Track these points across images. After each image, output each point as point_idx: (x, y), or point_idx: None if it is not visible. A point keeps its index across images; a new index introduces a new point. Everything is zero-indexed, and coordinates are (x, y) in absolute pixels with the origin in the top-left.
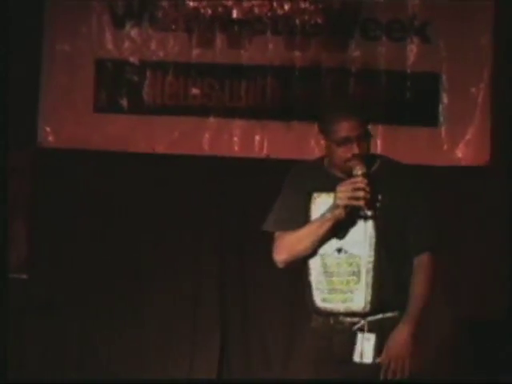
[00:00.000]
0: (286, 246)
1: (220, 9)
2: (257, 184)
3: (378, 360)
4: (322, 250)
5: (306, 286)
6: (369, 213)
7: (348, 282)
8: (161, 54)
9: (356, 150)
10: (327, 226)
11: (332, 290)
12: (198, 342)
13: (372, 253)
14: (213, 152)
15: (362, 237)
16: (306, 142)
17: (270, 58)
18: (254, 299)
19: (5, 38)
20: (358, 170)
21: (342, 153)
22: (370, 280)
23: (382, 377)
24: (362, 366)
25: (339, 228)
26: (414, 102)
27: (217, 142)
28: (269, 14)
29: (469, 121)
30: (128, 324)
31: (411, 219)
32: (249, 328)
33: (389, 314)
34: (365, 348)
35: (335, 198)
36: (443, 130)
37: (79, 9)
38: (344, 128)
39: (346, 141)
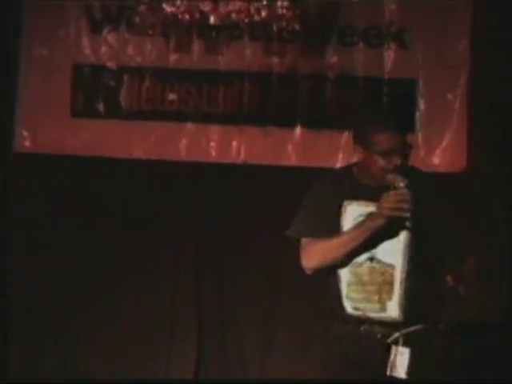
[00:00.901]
0: (318, 253)
1: (197, 14)
2: (234, 189)
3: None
4: None
5: (335, 294)
6: (408, 224)
7: (381, 292)
8: (138, 59)
9: (398, 162)
10: (367, 235)
11: (364, 299)
12: (175, 342)
13: (405, 262)
14: (190, 157)
15: (394, 246)
16: (283, 148)
17: (248, 64)
18: (231, 300)
19: None
20: (400, 182)
21: (385, 164)
22: (403, 290)
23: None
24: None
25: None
26: (391, 108)
27: (194, 147)
28: (246, 20)
29: (445, 127)
30: (106, 324)
31: (448, 230)
32: (226, 329)
33: (422, 327)
34: (398, 362)
35: (379, 207)
36: (420, 135)
37: (56, 13)
38: (388, 139)
39: (388, 152)
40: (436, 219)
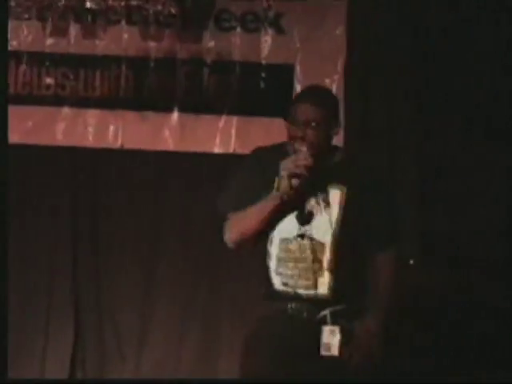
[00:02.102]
0: (235, 225)
1: None
2: (111, 174)
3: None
4: (283, 235)
5: (263, 270)
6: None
7: (311, 268)
8: (14, 43)
9: (303, 133)
10: (273, 203)
11: (295, 276)
12: (51, 337)
13: (336, 240)
14: (67, 142)
15: (326, 224)
16: (160, 133)
17: (125, 48)
18: (108, 292)
19: None
20: (303, 147)
21: (293, 132)
22: (333, 267)
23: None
24: (324, 358)
25: (293, 209)
26: (268, 93)
27: (71, 132)
28: (122, 4)
29: None
30: None
31: (374, 215)
32: (103, 324)
33: (349, 305)
34: (331, 341)
35: (279, 172)
36: None
37: None
38: (301, 111)
39: (300, 123)
40: (364, 202)
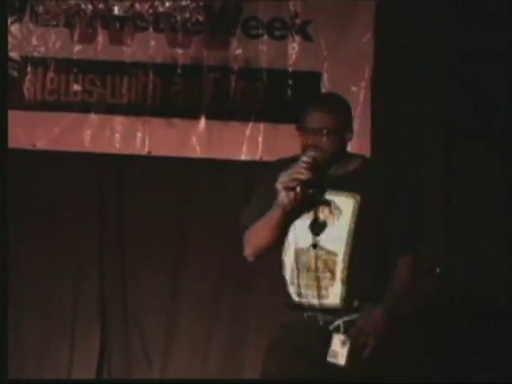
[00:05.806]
0: (249, 239)
1: (101, 5)
2: (138, 181)
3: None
4: (297, 245)
5: (281, 281)
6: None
7: (323, 278)
8: (42, 49)
9: (313, 141)
10: (277, 214)
11: (307, 286)
12: (77, 342)
13: (348, 250)
14: (94, 149)
15: (338, 233)
16: (187, 139)
17: (152, 55)
18: (134, 299)
19: None
20: (305, 157)
21: (304, 141)
22: (344, 277)
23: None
24: (334, 366)
25: (305, 219)
26: (295, 101)
27: (98, 138)
28: (150, 11)
29: None
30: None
31: (396, 220)
32: (129, 329)
33: (361, 315)
34: (339, 350)
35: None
36: None
37: None
38: (312, 119)
39: (311, 131)
40: (385, 208)
